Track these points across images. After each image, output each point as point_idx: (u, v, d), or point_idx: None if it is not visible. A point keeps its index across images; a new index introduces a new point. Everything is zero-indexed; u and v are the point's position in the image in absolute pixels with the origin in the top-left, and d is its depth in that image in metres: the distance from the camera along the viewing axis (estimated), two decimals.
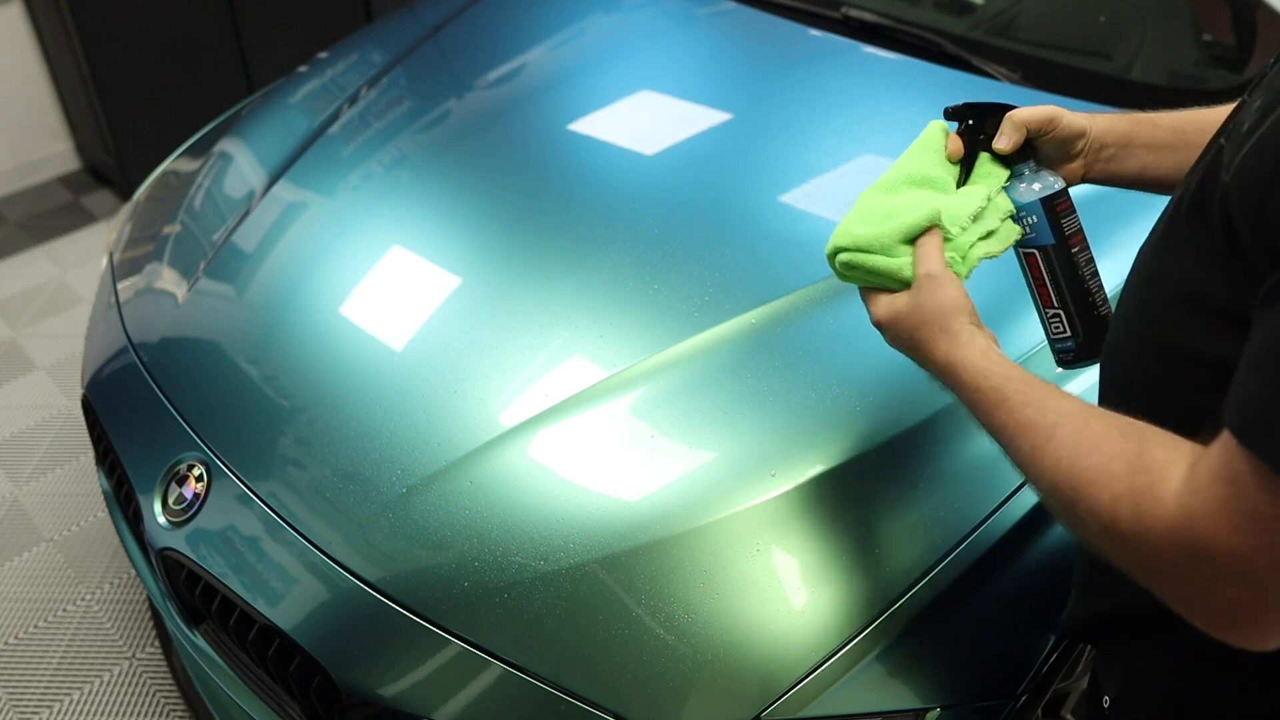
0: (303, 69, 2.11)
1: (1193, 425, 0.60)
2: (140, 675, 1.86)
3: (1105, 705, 0.86)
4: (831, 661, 1.01)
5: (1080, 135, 0.88)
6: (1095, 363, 0.86)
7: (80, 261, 3.03)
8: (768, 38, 1.88)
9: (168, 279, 1.61)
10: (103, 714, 1.79)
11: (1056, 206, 0.86)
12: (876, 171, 0.93)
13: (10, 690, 1.83)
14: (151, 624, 1.94)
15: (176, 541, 1.26)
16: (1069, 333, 0.88)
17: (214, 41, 3.16)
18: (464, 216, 1.54)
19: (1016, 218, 0.87)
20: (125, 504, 1.43)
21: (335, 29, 3.35)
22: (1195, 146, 0.87)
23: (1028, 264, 0.89)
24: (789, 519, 1.09)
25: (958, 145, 0.89)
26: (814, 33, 1.85)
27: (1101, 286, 0.88)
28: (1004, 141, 0.87)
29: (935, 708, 1.03)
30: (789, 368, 1.22)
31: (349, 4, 3.43)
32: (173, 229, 1.72)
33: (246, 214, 1.65)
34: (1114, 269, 1.22)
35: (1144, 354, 0.73)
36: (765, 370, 1.22)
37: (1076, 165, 0.90)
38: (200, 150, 1.94)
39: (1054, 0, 1.89)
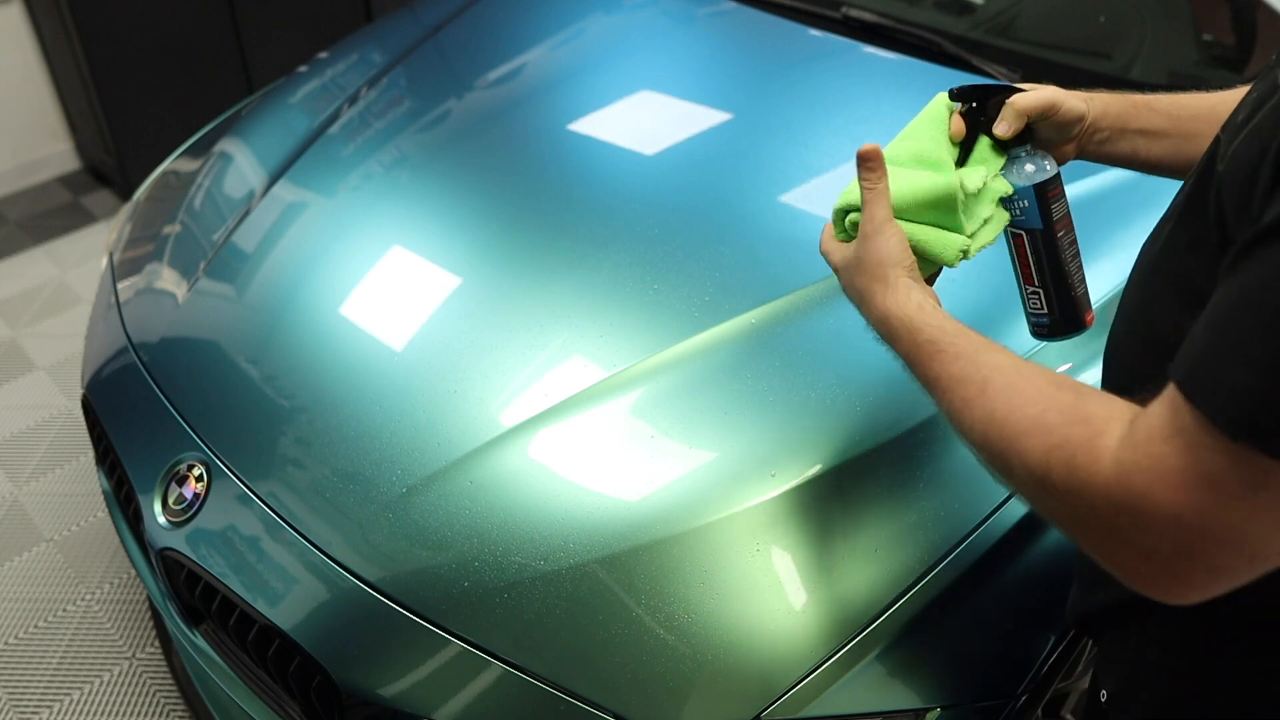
0: (303, 69, 2.11)
1: None
2: (140, 675, 1.86)
3: (1103, 699, 0.86)
4: (832, 661, 1.01)
5: (1079, 119, 0.90)
6: (1069, 337, 0.92)
7: (80, 261, 3.03)
8: (768, 38, 1.88)
9: (168, 279, 1.61)
10: (103, 714, 1.79)
11: (1048, 193, 0.88)
12: None
13: (10, 690, 1.83)
14: (151, 624, 1.94)
15: (176, 541, 1.26)
16: (1045, 309, 0.91)
17: (214, 41, 3.16)
18: (464, 216, 1.54)
19: (1008, 200, 0.90)
20: (125, 504, 1.43)
21: (335, 29, 3.35)
22: (1188, 133, 0.88)
23: (1014, 243, 0.91)
24: (789, 519, 1.09)
25: (960, 126, 0.90)
26: (814, 33, 1.85)
27: (1081, 267, 0.91)
28: (1003, 128, 0.89)
29: (935, 708, 1.03)
30: (789, 368, 1.22)
31: (349, 4, 3.43)
32: (173, 229, 1.72)
33: (246, 214, 1.65)
34: (1114, 269, 1.22)
35: (1144, 354, 0.73)
36: (765, 370, 1.22)
37: (1070, 147, 0.92)
38: (200, 150, 1.94)
39: (1054, 0, 1.89)
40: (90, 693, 1.83)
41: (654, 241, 1.42)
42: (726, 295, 1.32)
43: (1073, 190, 0.92)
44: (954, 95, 0.92)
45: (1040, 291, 0.91)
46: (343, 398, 1.29)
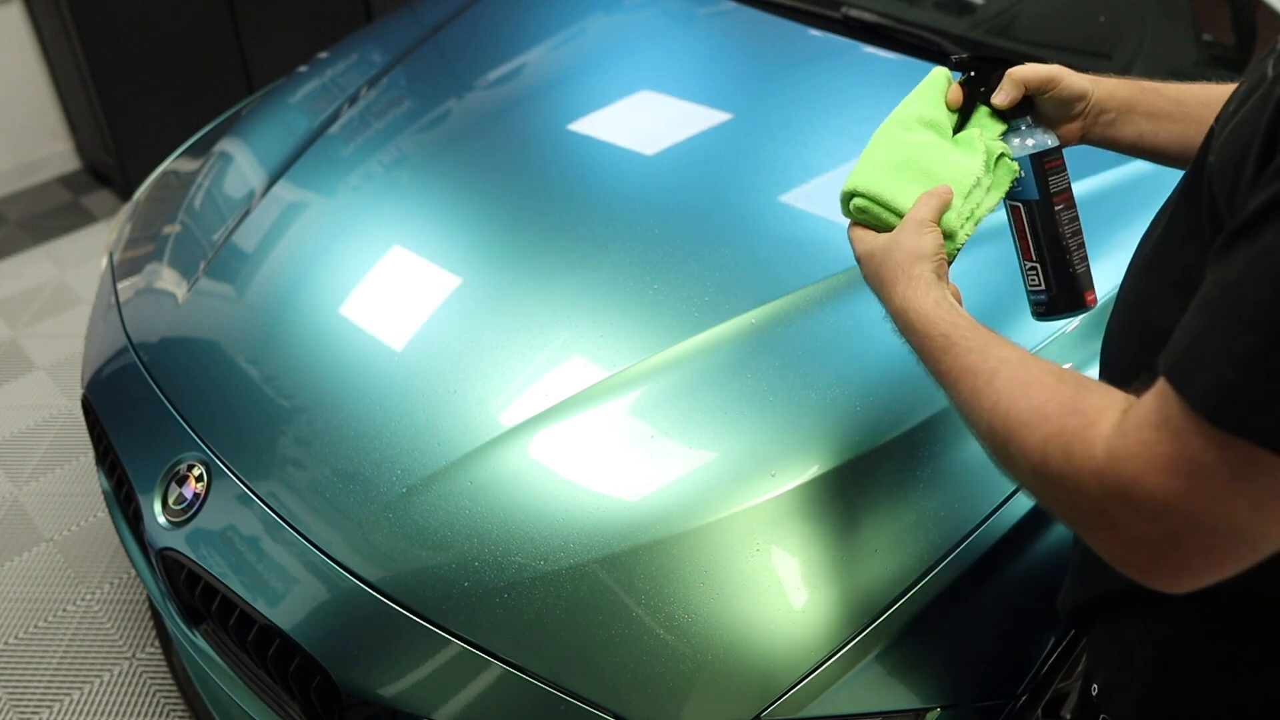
0: (303, 69, 2.11)
1: None
2: (140, 675, 1.86)
3: (1094, 694, 0.86)
4: (831, 661, 1.01)
5: (1082, 97, 0.89)
6: (1069, 317, 0.92)
7: (80, 261, 3.03)
8: (768, 38, 1.88)
9: (168, 279, 1.61)
10: (103, 714, 1.79)
11: (1046, 164, 0.88)
12: None
13: (10, 690, 1.83)
14: (151, 624, 1.94)
15: (176, 541, 1.26)
16: (1043, 286, 0.91)
17: (214, 41, 3.16)
18: (464, 216, 1.54)
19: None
20: (125, 504, 1.43)
21: (335, 29, 3.35)
22: (1195, 119, 0.88)
23: (1012, 215, 0.91)
24: (789, 519, 1.09)
25: (957, 94, 0.91)
26: (814, 33, 1.85)
27: (1082, 245, 0.91)
28: (1001, 97, 0.89)
29: (935, 708, 1.03)
30: (789, 368, 1.22)
31: (349, 4, 3.43)
32: (173, 229, 1.72)
33: (246, 214, 1.66)
34: (1114, 269, 1.22)
35: (1141, 349, 0.73)
36: (765, 370, 1.22)
37: (1075, 126, 0.92)
38: (200, 150, 1.94)
39: (1054, 0, 1.89)
40: (90, 693, 1.83)
41: (654, 241, 1.42)
42: (726, 295, 1.32)
43: (1075, 192, 0.92)
44: (955, 64, 0.92)
45: (1038, 266, 0.90)
46: (343, 398, 1.29)
